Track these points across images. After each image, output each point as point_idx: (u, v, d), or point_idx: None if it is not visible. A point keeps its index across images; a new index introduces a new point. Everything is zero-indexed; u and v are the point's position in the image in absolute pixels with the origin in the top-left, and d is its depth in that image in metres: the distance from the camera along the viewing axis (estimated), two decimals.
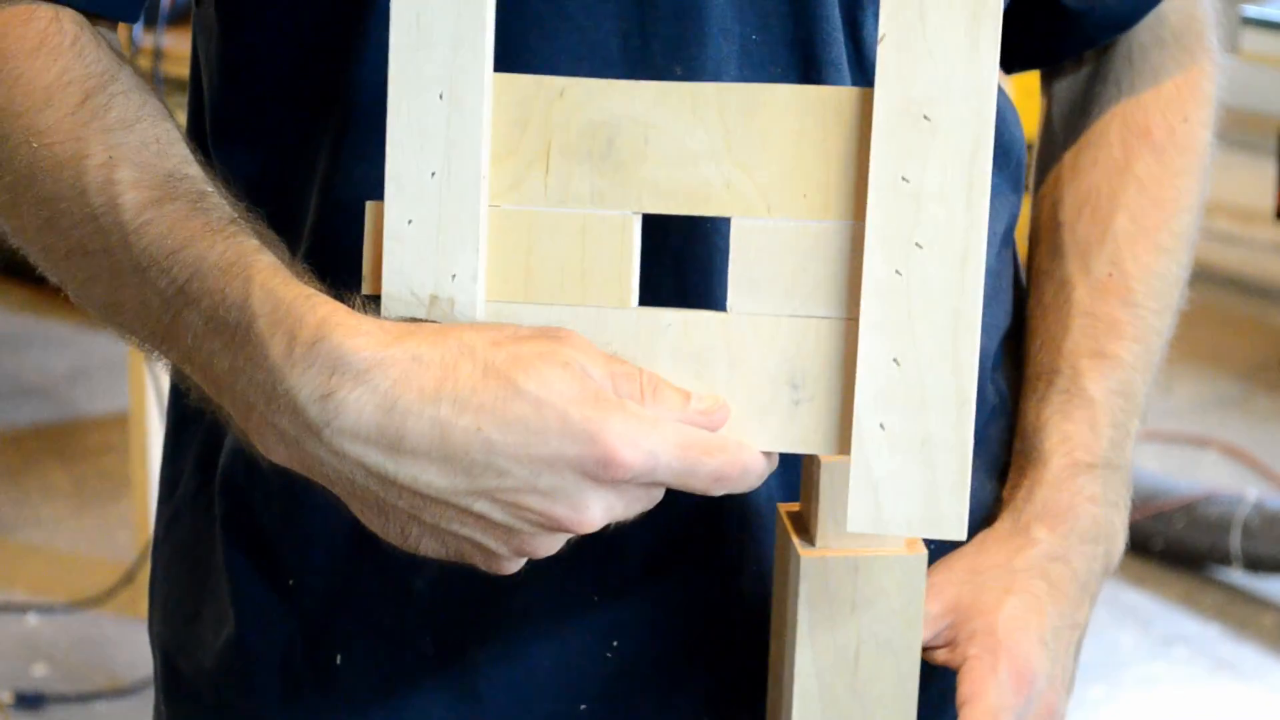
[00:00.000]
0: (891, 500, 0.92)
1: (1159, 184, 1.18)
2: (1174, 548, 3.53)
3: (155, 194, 0.96)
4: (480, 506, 0.90)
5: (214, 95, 1.12)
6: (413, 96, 0.93)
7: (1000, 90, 1.16)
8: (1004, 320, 1.20)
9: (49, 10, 1.00)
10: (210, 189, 0.98)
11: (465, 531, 0.92)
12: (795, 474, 1.02)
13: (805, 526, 0.99)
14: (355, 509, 0.94)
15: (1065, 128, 1.22)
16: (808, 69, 1.05)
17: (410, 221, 0.94)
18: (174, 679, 1.19)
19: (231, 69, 1.10)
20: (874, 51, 1.06)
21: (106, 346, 4.18)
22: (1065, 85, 1.23)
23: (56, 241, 0.99)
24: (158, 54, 2.79)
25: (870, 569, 0.98)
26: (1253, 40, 3.44)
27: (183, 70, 1.20)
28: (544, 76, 0.94)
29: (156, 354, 0.99)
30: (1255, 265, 4.72)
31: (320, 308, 0.91)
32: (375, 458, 0.90)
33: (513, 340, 0.90)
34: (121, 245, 0.96)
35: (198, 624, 1.16)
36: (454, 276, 0.94)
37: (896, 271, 0.91)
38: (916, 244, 0.91)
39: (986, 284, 1.14)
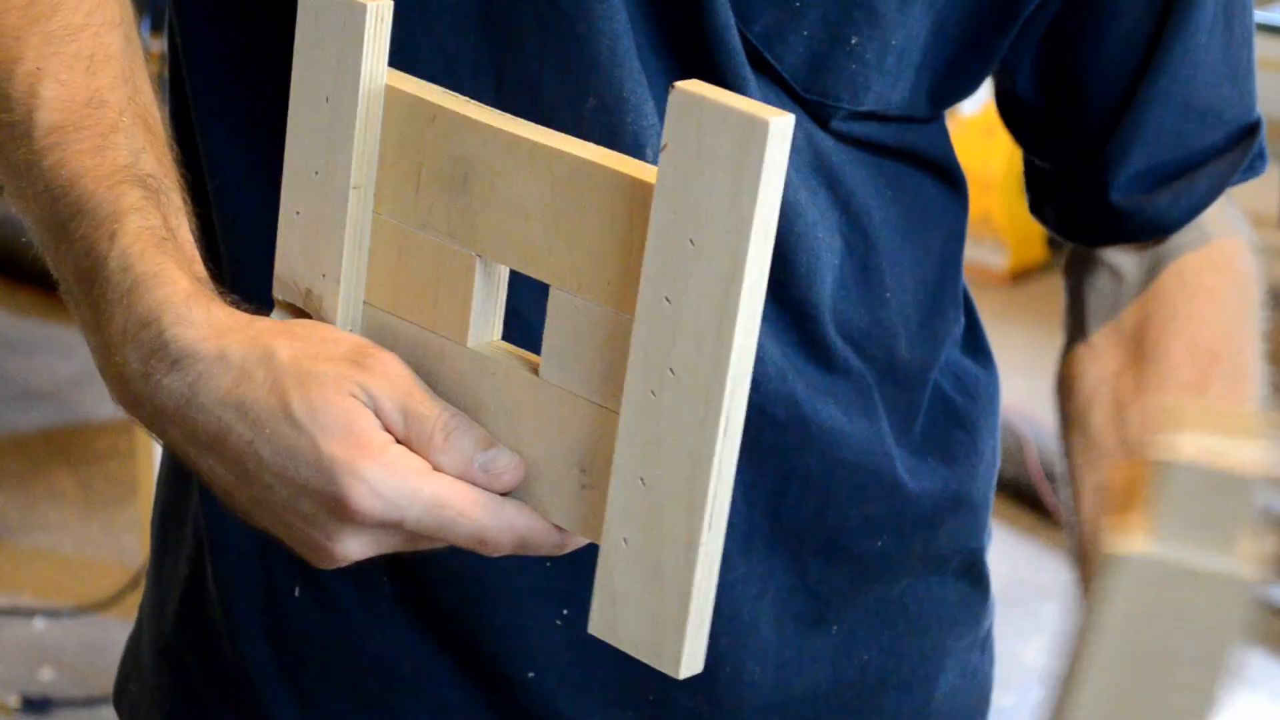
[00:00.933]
0: (626, 617, 0.89)
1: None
2: None
3: (66, 118, 0.96)
4: (262, 510, 0.91)
5: (200, 83, 1.12)
6: (306, 94, 0.93)
7: (942, 128, 1.16)
8: (954, 328, 1.20)
9: None
10: (125, 122, 0.97)
11: (267, 525, 0.93)
12: None
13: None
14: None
15: (1106, 305, 1.21)
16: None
17: (297, 213, 0.94)
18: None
19: (221, 57, 1.10)
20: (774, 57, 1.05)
21: None
22: (1119, 256, 1.21)
23: None
24: (164, 59, 2.79)
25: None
26: (1259, 45, 3.44)
27: None
28: (425, 96, 0.92)
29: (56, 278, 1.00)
30: (1261, 270, 4.71)
31: (160, 289, 0.92)
32: (179, 440, 0.92)
33: (313, 358, 0.90)
34: (27, 163, 0.97)
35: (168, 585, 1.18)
36: (324, 275, 0.94)
37: (652, 392, 0.87)
38: (670, 369, 0.86)
39: (924, 295, 1.14)
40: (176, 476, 1.21)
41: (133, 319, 0.91)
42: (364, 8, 0.91)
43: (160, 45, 2.82)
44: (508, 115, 0.92)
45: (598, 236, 0.88)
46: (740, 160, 0.82)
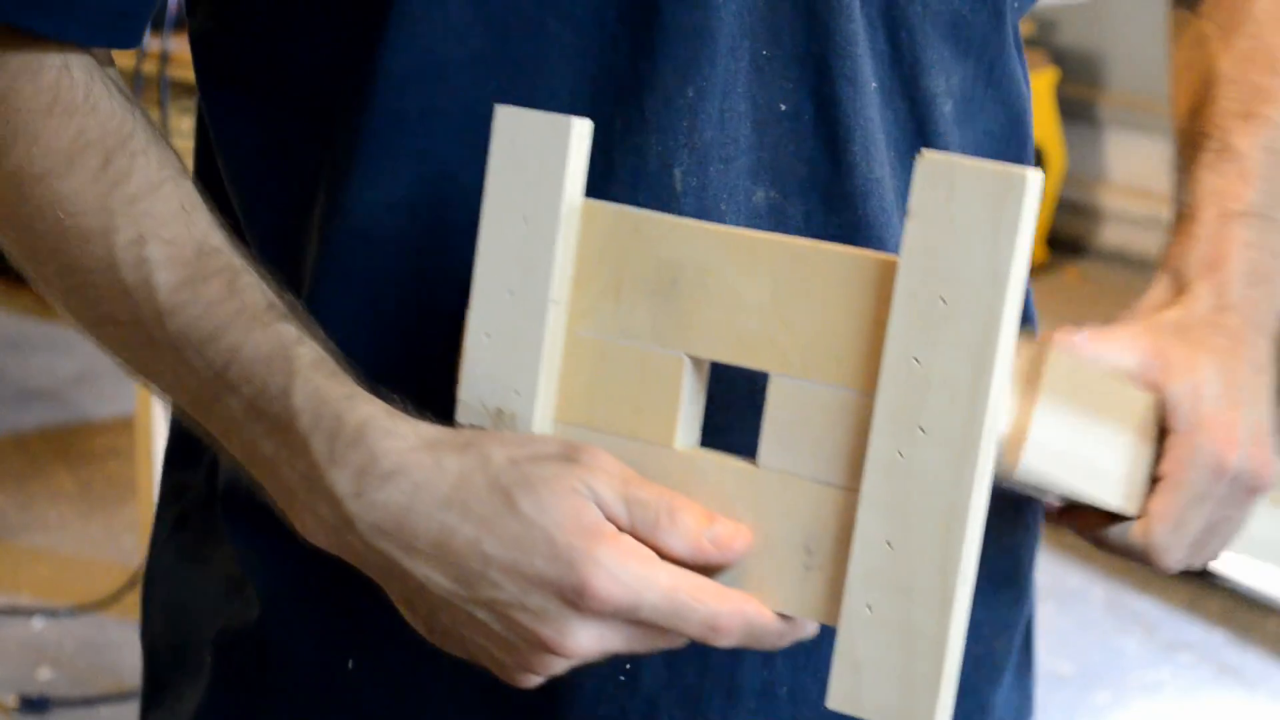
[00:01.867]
0: (871, 684, 0.90)
1: None
2: None
3: (188, 273, 0.98)
4: (481, 614, 0.93)
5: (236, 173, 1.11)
6: (501, 216, 0.95)
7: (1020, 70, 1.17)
8: None
9: (57, 59, 0.99)
10: (239, 263, 0.99)
11: (475, 638, 0.94)
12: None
13: None
14: (393, 599, 0.97)
15: None
16: (820, 82, 1.04)
17: (487, 335, 0.96)
18: (172, 676, 1.18)
19: (232, 84, 1.10)
20: (911, 61, 1.06)
21: None
22: None
23: (84, 308, 1.01)
24: (164, 58, 2.79)
25: None
26: None
27: (190, 74, 1.19)
28: (625, 209, 0.95)
29: (192, 420, 1.01)
30: None
31: (360, 408, 0.95)
32: (395, 553, 0.94)
33: (530, 460, 0.92)
34: (155, 322, 0.98)
35: (204, 615, 1.16)
36: (517, 392, 0.96)
37: (899, 453, 0.88)
38: (921, 428, 0.88)
39: (963, 135, 1.13)
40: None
41: (339, 442, 0.94)
42: (569, 124, 0.94)
43: (159, 44, 2.82)
44: (703, 221, 0.94)
45: (826, 318, 0.90)
46: (997, 216, 0.86)
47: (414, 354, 1.03)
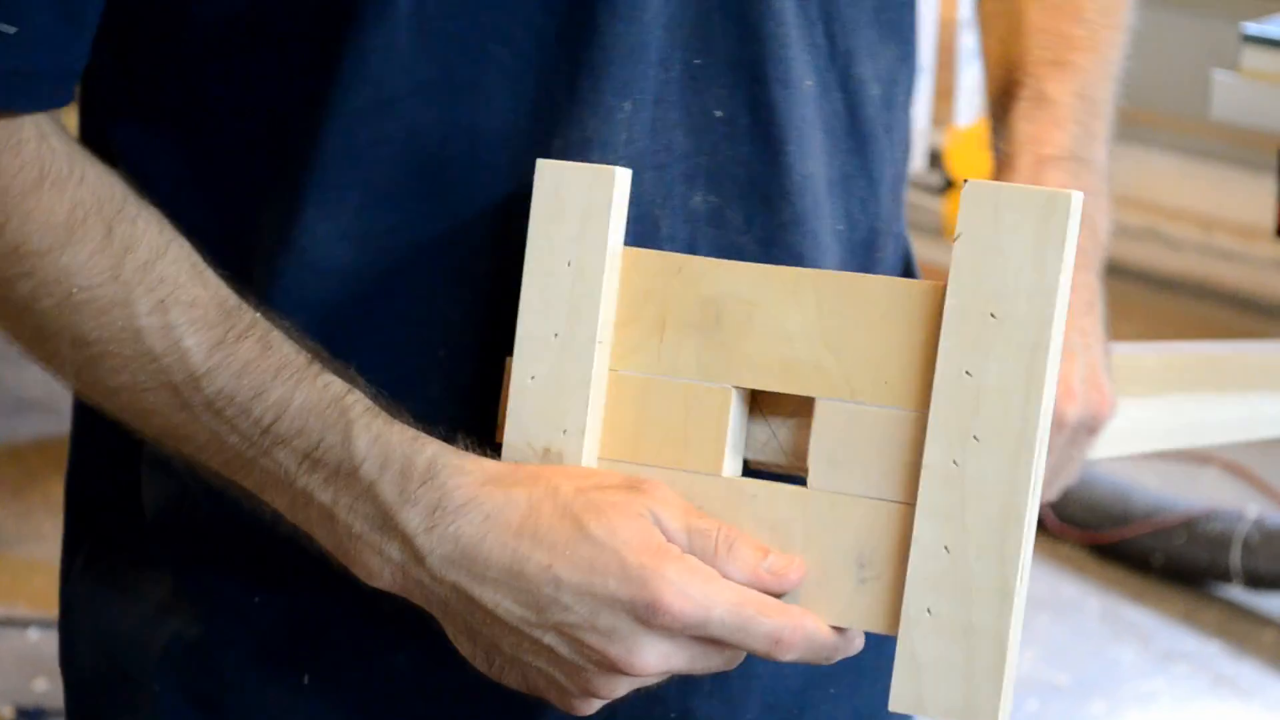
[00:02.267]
0: (933, 685, 0.95)
1: None
2: (1174, 564, 3.53)
3: (218, 333, 0.99)
4: (549, 639, 0.97)
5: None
6: (545, 262, 0.99)
7: None
8: (901, 167, 1.22)
9: (33, 130, 0.99)
10: (262, 318, 1.00)
11: (538, 664, 0.98)
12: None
13: None
14: (450, 632, 1.00)
15: None
16: (755, 87, 1.06)
17: (533, 378, 1.00)
18: (104, 709, 1.17)
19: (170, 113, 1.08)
20: (844, 50, 1.09)
21: None
22: None
23: (103, 378, 1.01)
24: None
25: None
26: (1253, 58, 3.44)
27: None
28: (667, 253, 1.00)
29: (223, 478, 1.02)
30: (1256, 282, 4.72)
31: (427, 448, 0.99)
32: (465, 582, 0.97)
33: (596, 488, 0.97)
34: (191, 386, 0.99)
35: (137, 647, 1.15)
36: (565, 431, 1.00)
37: (954, 462, 0.94)
38: (974, 436, 0.93)
39: (890, 116, 1.16)
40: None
41: (410, 482, 0.98)
42: (612, 174, 0.99)
43: None
44: (743, 262, 1.00)
45: (873, 342, 0.96)
46: (1042, 234, 0.92)
47: (368, 381, 1.04)
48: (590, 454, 1.00)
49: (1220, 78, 3.47)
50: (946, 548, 0.94)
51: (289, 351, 1.00)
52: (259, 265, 1.05)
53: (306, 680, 1.11)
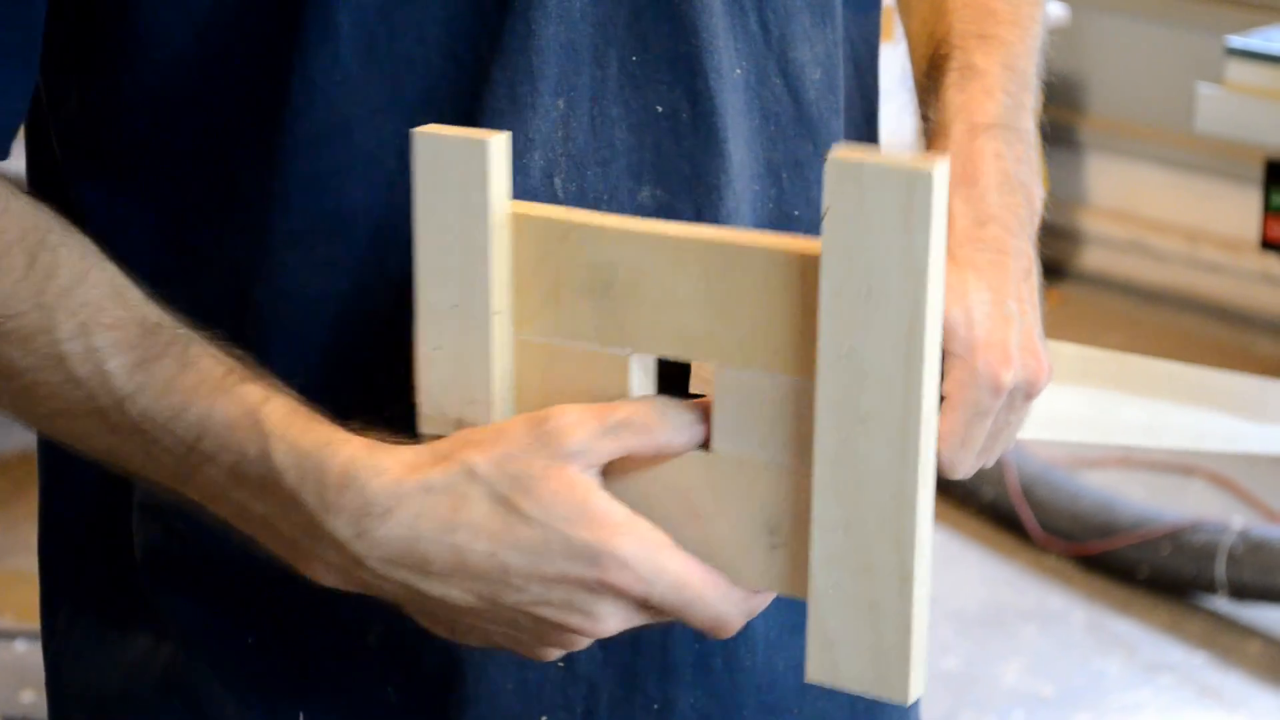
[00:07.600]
0: (845, 658, 0.94)
1: None
2: (1159, 575, 3.54)
3: (138, 354, 0.99)
4: (505, 615, 0.96)
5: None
6: (434, 234, 0.97)
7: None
8: (858, 133, 1.24)
9: None
10: (184, 333, 1.00)
11: (500, 631, 0.98)
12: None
13: None
14: (411, 614, 0.99)
15: None
16: (695, 81, 1.07)
17: (437, 348, 0.99)
18: None
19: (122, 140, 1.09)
20: (779, 36, 1.11)
21: None
22: None
23: (33, 405, 1.01)
24: None
25: None
26: (1238, 71, 3.45)
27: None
28: (555, 216, 0.97)
29: (171, 493, 1.02)
30: (1240, 294, 4.73)
31: (341, 452, 0.97)
32: (411, 579, 0.96)
33: (508, 458, 0.95)
34: (116, 409, 0.99)
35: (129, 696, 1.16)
36: (474, 401, 0.98)
37: (844, 441, 0.92)
38: (861, 418, 0.92)
39: (836, 98, 1.17)
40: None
41: (329, 491, 0.96)
42: (485, 144, 0.96)
43: None
44: (638, 218, 0.97)
45: (760, 311, 0.93)
46: (908, 211, 0.88)
47: (351, 401, 1.04)
48: (503, 419, 0.98)
49: (1205, 90, 3.49)
50: (845, 527, 0.92)
51: (207, 365, 0.99)
52: (239, 299, 1.07)
53: (302, 717, 1.11)
